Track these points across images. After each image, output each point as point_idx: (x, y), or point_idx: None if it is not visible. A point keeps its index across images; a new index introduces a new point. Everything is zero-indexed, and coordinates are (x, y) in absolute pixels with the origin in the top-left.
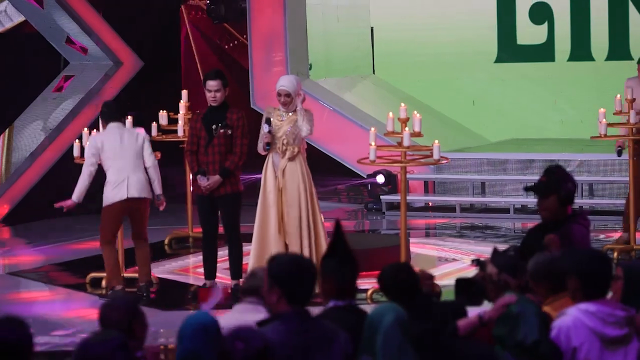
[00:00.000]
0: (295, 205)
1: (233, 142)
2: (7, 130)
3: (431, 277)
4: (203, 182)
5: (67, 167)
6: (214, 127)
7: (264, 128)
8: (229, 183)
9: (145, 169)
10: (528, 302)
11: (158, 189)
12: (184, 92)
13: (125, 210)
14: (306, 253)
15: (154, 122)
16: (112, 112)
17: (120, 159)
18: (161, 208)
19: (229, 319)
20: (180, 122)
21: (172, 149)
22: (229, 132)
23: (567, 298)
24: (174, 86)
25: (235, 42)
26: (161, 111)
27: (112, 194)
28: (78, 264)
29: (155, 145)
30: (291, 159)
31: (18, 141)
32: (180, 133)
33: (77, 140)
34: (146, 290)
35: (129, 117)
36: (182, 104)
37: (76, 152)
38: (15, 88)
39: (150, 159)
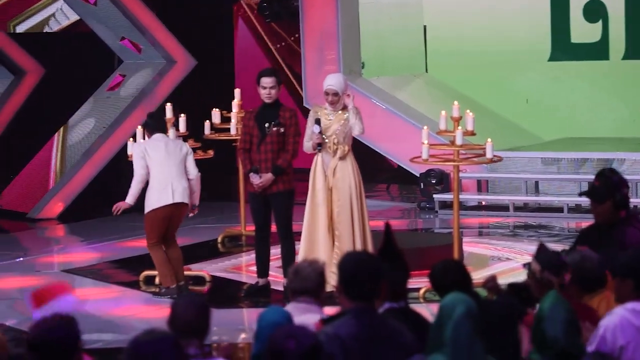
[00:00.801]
0: (347, 204)
1: (285, 140)
2: (61, 129)
3: (494, 279)
4: (255, 179)
5: (121, 165)
6: (266, 125)
7: (314, 128)
8: (281, 181)
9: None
10: (560, 300)
11: (196, 200)
12: (237, 91)
13: (169, 214)
14: (358, 248)
15: (207, 121)
16: (157, 124)
17: (165, 166)
18: (191, 215)
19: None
20: (233, 121)
21: (225, 147)
22: (282, 130)
23: (603, 297)
24: (227, 84)
25: (283, 43)
26: (214, 109)
27: (156, 199)
28: (132, 261)
29: (208, 144)
30: (342, 157)
31: (72, 140)
32: (233, 131)
33: (130, 139)
34: (186, 289)
35: (182, 115)
36: (235, 103)
37: (130, 151)
38: (70, 87)
39: (193, 171)
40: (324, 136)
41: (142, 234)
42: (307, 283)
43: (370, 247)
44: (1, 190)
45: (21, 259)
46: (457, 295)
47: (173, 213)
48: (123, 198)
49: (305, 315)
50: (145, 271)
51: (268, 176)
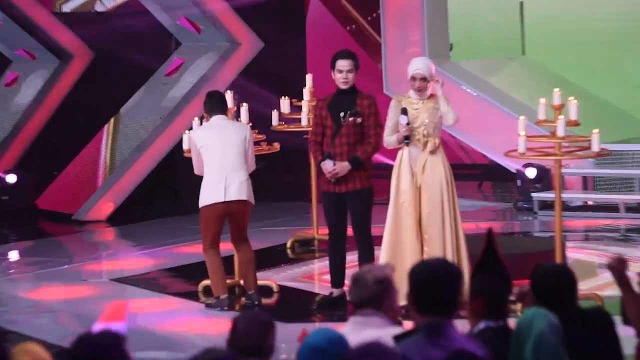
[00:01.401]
0: (438, 205)
1: (365, 132)
2: (112, 120)
3: (624, 262)
4: (329, 166)
5: (178, 160)
6: (342, 114)
7: (402, 119)
8: (359, 178)
9: None
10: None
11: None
12: (309, 77)
13: (224, 213)
14: (449, 254)
15: (275, 110)
16: (215, 103)
17: (220, 156)
18: None
19: (350, 334)
20: (304, 110)
21: (295, 140)
22: (359, 120)
23: None
24: (298, 70)
25: (353, 25)
26: (283, 98)
27: (208, 195)
28: (190, 269)
29: (276, 136)
30: (432, 152)
31: (124, 132)
32: (304, 122)
33: (187, 131)
34: (257, 299)
35: (244, 104)
36: (307, 90)
37: (186, 145)
38: (121, 72)
39: (249, 161)
40: (411, 127)
41: (199, 239)
42: (364, 292)
43: (463, 254)
44: (44, 188)
45: (66, 266)
46: (533, 310)
47: (229, 211)
48: (180, 197)
49: (365, 332)
50: (204, 280)
51: (344, 164)
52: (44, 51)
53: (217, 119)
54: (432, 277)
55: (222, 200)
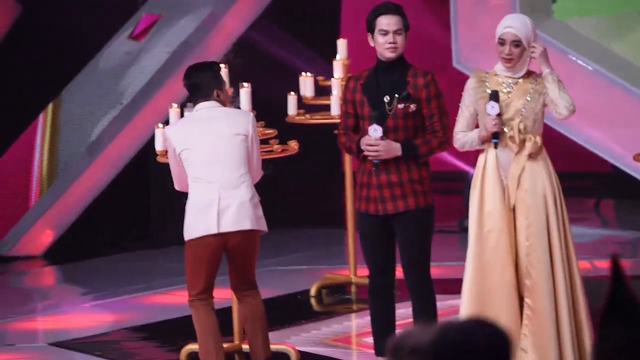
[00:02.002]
0: (543, 234)
1: (424, 124)
2: (49, 107)
3: None
4: (375, 134)
5: (146, 168)
6: (386, 99)
7: (490, 108)
8: (412, 192)
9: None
10: None
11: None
12: (342, 42)
13: (219, 249)
14: (564, 308)
15: (292, 93)
16: (202, 83)
17: (209, 166)
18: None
19: None
20: (335, 92)
21: (321, 136)
22: (413, 107)
23: None
24: (325, 33)
25: None
26: (304, 74)
27: (194, 224)
28: (168, 328)
29: (291, 131)
30: (532, 156)
31: (68, 125)
32: (334, 110)
33: (161, 125)
34: None
35: (245, 85)
36: (339, 62)
37: (160, 145)
38: (64, 37)
39: (253, 170)
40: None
41: (181, 283)
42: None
43: (582, 304)
44: None
45: None
46: None
47: (227, 248)
48: (151, 222)
49: None
50: (190, 344)
51: (393, 145)
52: None
53: (205, 109)
54: (463, 350)
55: (214, 231)
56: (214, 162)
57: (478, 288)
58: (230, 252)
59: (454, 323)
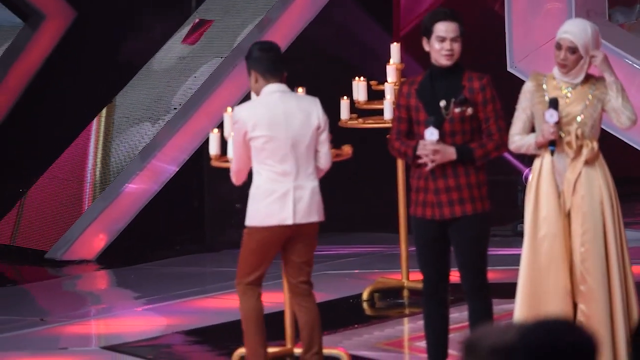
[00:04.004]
0: (599, 240)
1: (480, 128)
2: (103, 112)
3: None
4: (432, 137)
5: (201, 172)
6: (442, 104)
7: (549, 116)
8: (470, 197)
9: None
10: None
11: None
12: (395, 46)
13: (287, 239)
14: (619, 314)
15: (344, 97)
16: (273, 63)
17: (285, 156)
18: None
19: None
20: (389, 97)
21: (375, 141)
22: (470, 111)
23: None
24: (381, 36)
25: None
26: (357, 79)
27: (268, 213)
28: (218, 332)
29: (345, 136)
30: (589, 161)
31: (121, 130)
32: (387, 115)
33: (216, 130)
34: None
35: (300, 89)
36: (392, 67)
37: (214, 149)
38: (118, 41)
39: (324, 160)
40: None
41: (233, 287)
42: None
43: (635, 309)
44: (2, 214)
45: (37, 327)
46: None
47: (291, 238)
48: (204, 226)
49: None
50: (241, 348)
51: (448, 149)
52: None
53: (273, 92)
54: (551, 350)
55: (290, 222)
56: (288, 151)
57: (532, 293)
58: (296, 243)
59: (539, 323)
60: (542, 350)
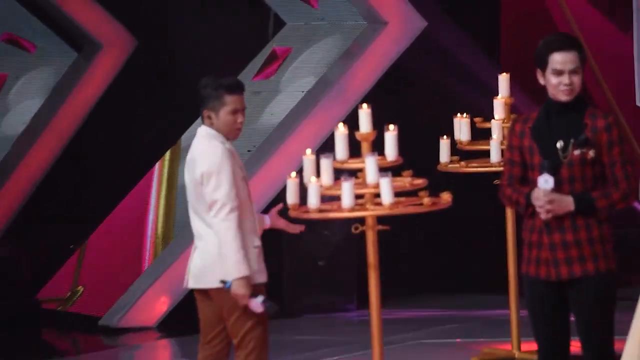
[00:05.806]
0: None
1: (604, 174)
2: (167, 154)
3: None
4: (546, 186)
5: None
6: (559, 145)
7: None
8: (592, 255)
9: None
10: None
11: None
12: (503, 77)
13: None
14: None
15: (444, 137)
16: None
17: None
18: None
19: None
20: (496, 136)
21: (480, 187)
22: (592, 154)
23: None
24: (483, 69)
25: None
26: (459, 115)
27: None
28: None
29: (446, 180)
30: None
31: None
32: (494, 157)
33: (294, 174)
34: None
35: (392, 128)
36: (500, 101)
37: (292, 197)
38: (184, 75)
39: (213, 216)
40: None
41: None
42: None
43: None
44: (51, 274)
45: None
46: None
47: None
48: (280, 289)
49: None
50: None
51: (565, 199)
52: (51, 36)
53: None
54: None
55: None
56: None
57: None
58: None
59: None
60: None
